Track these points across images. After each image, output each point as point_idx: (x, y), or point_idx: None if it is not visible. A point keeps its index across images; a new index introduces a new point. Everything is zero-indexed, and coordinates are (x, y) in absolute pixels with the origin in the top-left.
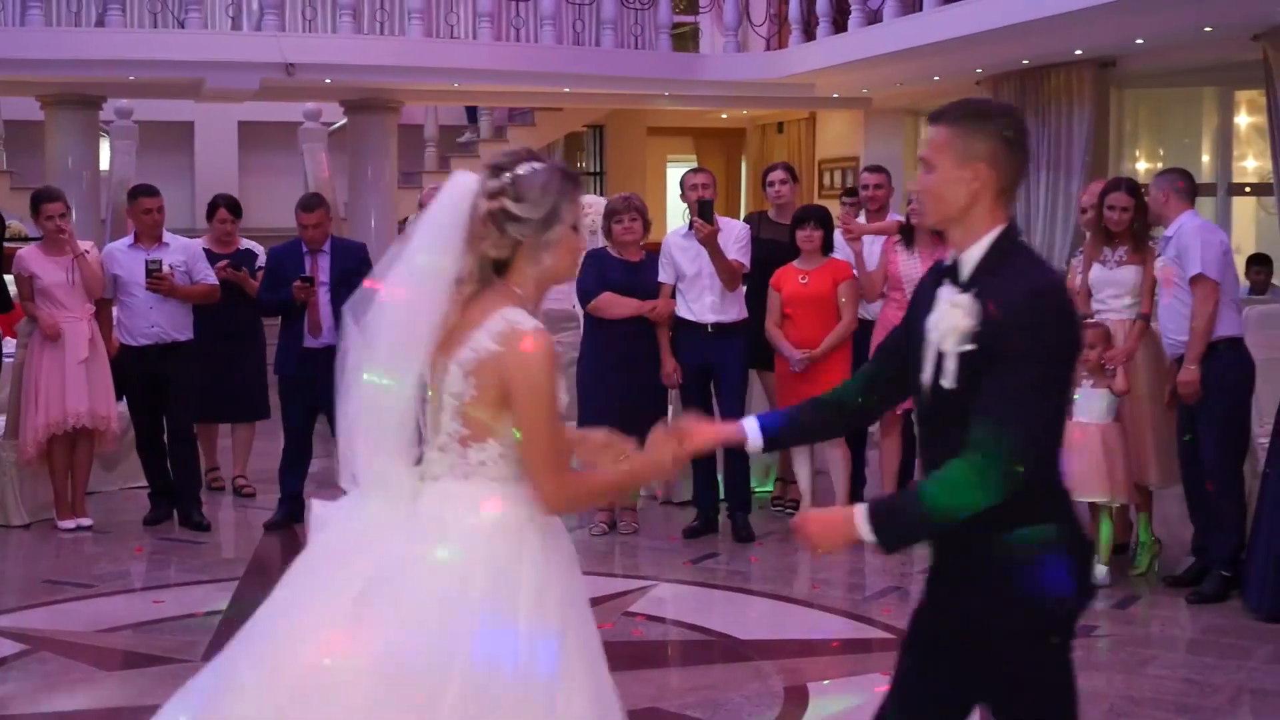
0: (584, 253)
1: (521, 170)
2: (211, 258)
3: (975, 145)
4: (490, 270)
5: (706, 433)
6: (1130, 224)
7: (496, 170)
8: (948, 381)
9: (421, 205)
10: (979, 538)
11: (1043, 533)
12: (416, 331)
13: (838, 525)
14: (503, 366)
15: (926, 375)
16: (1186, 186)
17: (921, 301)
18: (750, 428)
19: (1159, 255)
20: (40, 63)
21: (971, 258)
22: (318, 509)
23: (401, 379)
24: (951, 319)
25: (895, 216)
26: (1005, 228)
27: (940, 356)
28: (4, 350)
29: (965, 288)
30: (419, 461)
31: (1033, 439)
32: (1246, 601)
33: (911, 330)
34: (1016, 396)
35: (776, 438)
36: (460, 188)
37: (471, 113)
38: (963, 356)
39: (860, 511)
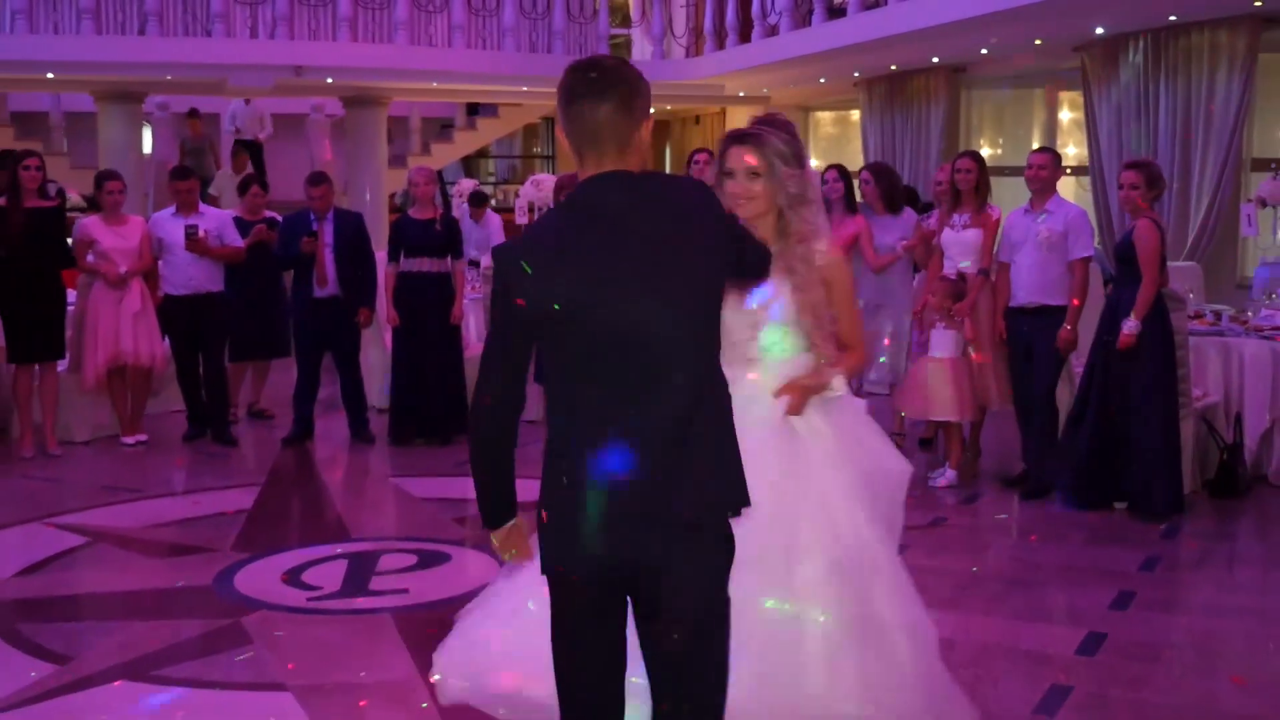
0: None
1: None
2: (242, 224)
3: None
4: None
5: None
6: (975, 185)
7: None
8: None
9: (410, 183)
10: None
11: None
12: None
13: None
14: None
15: None
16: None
17: None
18: None
19: (1040, 222)
20: (93, 64)
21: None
22: None
23: None
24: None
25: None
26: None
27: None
28: (68, 299)
29: None
30: None
31: None
32: (1065, 497)
33: None
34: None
35: None
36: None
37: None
38: None
39: None
